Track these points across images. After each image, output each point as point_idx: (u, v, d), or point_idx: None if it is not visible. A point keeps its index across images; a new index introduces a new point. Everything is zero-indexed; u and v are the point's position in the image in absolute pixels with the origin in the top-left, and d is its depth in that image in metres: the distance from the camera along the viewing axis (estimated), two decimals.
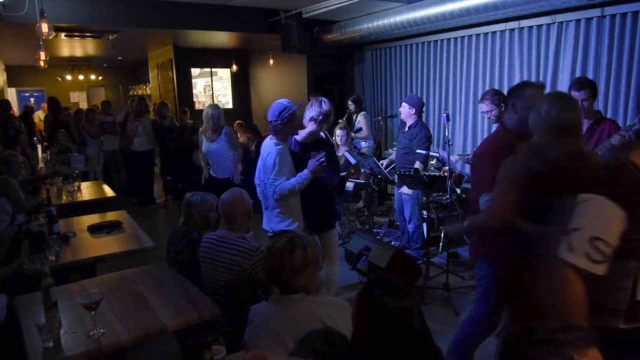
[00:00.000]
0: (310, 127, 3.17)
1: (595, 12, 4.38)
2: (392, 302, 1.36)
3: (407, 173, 4.17)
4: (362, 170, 5.13)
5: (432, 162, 5.17)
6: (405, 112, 4.47)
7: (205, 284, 2.60)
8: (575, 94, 3.12)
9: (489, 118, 3.90)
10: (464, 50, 5.89)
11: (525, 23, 5.03)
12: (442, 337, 2.79)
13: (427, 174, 4.05)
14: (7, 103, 7.31)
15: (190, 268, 2.71)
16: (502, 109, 3.65)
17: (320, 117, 3.11)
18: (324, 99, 3.19)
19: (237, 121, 7.35)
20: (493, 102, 3.75)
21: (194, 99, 9.68)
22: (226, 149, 4.70)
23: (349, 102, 6.59)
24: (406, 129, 4.56)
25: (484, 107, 3.82)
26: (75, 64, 12.07)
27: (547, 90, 4.91)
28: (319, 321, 1.72)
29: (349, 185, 5.05)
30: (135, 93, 13.45)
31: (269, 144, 3.03)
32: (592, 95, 3.09)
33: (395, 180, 4.61)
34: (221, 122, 4.68)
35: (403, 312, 1.36)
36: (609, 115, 4.31)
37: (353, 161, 5.24)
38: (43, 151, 7.35)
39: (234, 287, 2.47)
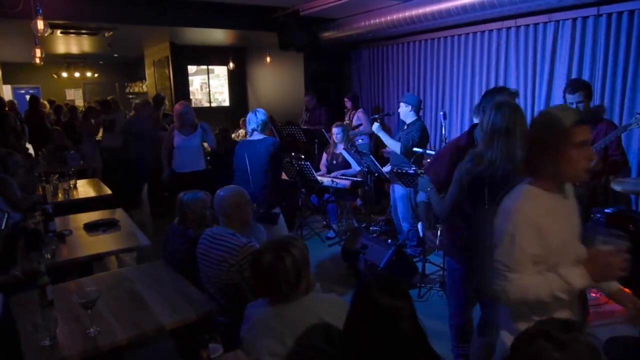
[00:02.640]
0: (257, 135, 3.87)
1: (591, 11, 4.39)
2: (383, 299, 1.37)
3: (403, 171, 4.18)
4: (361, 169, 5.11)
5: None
6: (403, 111, 4.48)
7: (201, 281, 2.60)
8: (569, 97, 3.12)
9: None
10: (460, 49, 5.89)
11: (521, 21, 5.04)
12: (439, 334, 2.81)
13: (423, 171, 4.06)
14: (2, 101, 7.28)
15: (187, 266, 2.71)
16: None
17: (261, 126, 3.86)
18: (258, 109, 3.97)
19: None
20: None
21: (191, 97, 9.66)
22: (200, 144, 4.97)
23: (346, 100, 6.58)
24: (405, 128, 4.57)
25: (477, 120, 3.86)
26: (71, 61, 12.02)
27: (545, 89, 4.94)
28: (318, 319, 1.72)
29: (345, 183, 5.06)
30: (131, 90, 13.41)
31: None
32: (587, 97, 3.09)
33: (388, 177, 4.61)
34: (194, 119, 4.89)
35: (391, 312, 1.36)
36: (604, 114, 4.33)
37: (350, 159, 5.25)
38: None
39: (227, 284, 2.46)
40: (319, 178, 5.06)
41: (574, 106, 3.13)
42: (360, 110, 6.51)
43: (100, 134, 7.26)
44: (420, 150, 4.35)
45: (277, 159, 3.89)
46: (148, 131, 6.14)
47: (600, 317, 3.42)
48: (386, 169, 4.71)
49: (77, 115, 8.90)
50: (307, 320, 1.72)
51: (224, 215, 2.60)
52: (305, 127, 6.68)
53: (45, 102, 10.43)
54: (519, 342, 1.19)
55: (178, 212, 2.95)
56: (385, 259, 3.72)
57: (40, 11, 4.41)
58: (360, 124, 6.31)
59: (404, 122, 4.56)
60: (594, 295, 3.66)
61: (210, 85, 10.04)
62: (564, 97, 3.19)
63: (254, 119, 3.89)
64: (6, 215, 3.04)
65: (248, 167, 3.81)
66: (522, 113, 2.15)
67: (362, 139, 6.28)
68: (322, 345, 1.69)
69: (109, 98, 7.62)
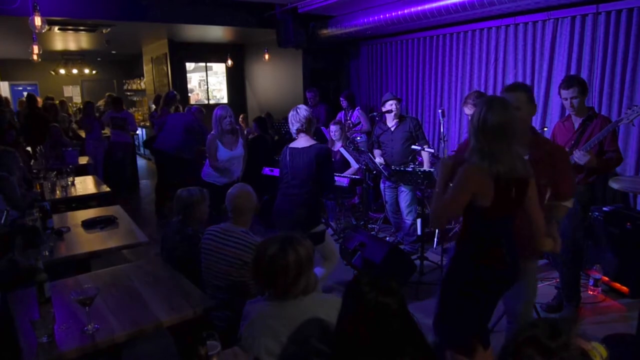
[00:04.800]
0: (303, 138, 3.22)
1: (590, 9, 4.39)
2: (372, 296, 1.38)
3: (401, 170, 4.19)
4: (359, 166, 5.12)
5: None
6: (400, 107, 4.57)
7: (205, 278, 2.61)
8: (563, 92, 3.13)
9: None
10: (459, 46, 5.89)
11: (520, 19, 5.04)
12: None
13: (421, 169, 4.07)
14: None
15: (186, 263, 2.71)
16: None
17: (306, 124, 3.19)
18: (299, 105, 3.26)
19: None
20: (475, 105, 3.81)
21: (189, 94, 9.65)
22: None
23: (341, 99, 6.57)
24: (393, 122, 4.58)
25: (467, 110, 3.87)
26: (68, 57, 11.97)
27: (543, 87, 4.94)
28: (316, 319, 1.72)
29: (344, 181, 5.06)
30: (129, 87, 13.37)
31: None
32: (582, 93, 3.10)
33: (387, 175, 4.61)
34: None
35: (380, 308, 1.37)
36: (603, 112, 4.33)
37: (348, 157, 5.25)
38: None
39: (235, 281, 2.47)
40: None
41: (567, 102, 3.14)
42: (358, 108, 6.51)
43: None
44: (417, 147, 4.35)
45: (324, 166, 3.21)
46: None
47: (595, 315, 3.44)
48: (379, 159, 4.71)
49: (68, 112, 8.93)
50: (304, 320, 1.72)
51: (240, 214, 2.62)
52: None
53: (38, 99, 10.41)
54: (506, 352, 1.14)
55: (176, 208, 2.95)
56: (382, 256, 3.72)
57: (38, 8, 4.40)
58: (359, 122, 6.31)
59: (384, 119, 4.61)
60: (590, 293, 3.68)
61: (208, 83, 10.02)
62: (559, 92, 3.20)
63: (297, 117, 3.19)
64: (5, 213, 3.03)
65: (290, 178, 3.26)
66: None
67: (360, 137, 6.28)
68: (319, 346, 1.69)
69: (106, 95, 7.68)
